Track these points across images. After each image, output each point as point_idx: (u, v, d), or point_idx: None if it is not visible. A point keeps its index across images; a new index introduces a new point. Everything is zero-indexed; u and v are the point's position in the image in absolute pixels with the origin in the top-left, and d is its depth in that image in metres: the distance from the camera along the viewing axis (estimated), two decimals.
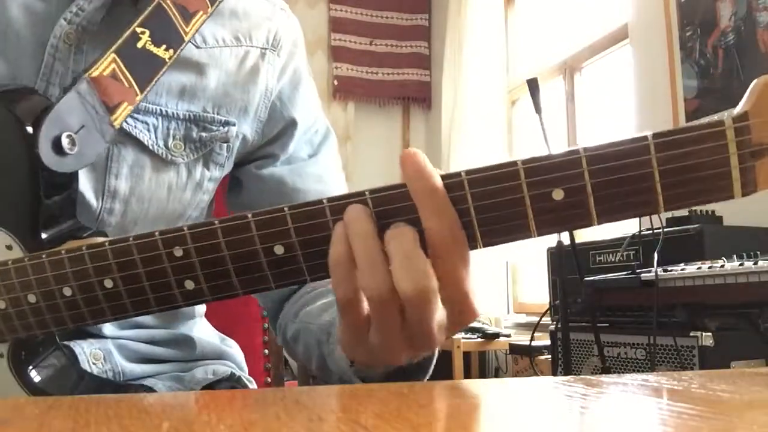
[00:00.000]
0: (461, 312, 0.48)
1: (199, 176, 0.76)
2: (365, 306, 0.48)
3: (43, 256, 0.56)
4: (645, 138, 0.44)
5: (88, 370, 0.69)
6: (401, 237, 0.46)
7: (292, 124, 0.82)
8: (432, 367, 0.60)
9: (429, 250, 0.46)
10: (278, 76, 0.81)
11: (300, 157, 0.83)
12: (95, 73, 0.63)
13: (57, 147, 0.60)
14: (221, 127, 0.75)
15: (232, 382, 0.83)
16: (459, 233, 0.47)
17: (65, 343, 0.68)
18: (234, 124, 0.76)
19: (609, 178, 0.45)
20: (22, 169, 0.60)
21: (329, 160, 0.86)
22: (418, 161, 0.46)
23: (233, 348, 0.88)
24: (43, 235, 0.60)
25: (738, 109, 0.44)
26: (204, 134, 0.74)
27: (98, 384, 0.66)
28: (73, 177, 0.63)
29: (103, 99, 0.63)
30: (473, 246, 0.48)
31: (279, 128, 0.82)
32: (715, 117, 0.45)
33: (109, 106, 0.64)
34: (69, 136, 0.61)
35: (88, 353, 0.70)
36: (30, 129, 0.59)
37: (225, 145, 0.76)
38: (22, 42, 0.66)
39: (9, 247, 0.60)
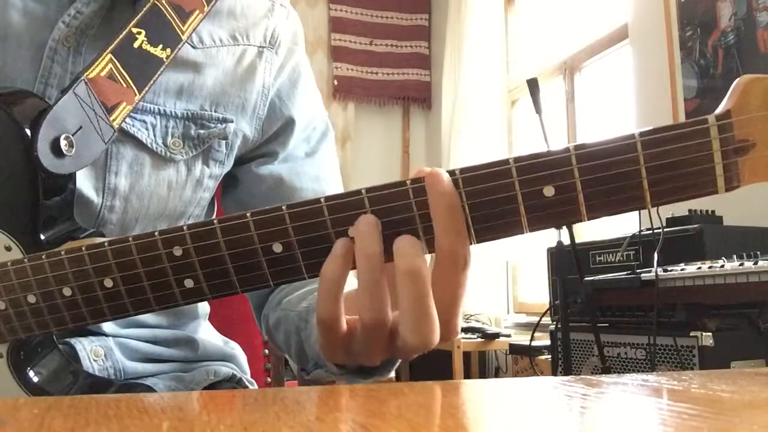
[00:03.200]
0: (444, 330, 0.50)
1: (198, 173, 0.76)
2: (344, 324, 0.50)
3: (43, 256, 0.56)
4: (632, 136, 0.46)
5: (89, 367, 0.69)
6: (416, 281, 0.47)
7: (290, 122, 0.82)
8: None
9: (435, 263, 0.48)
10: (276, 73, 0.81)
11: (297, 156, 0.83)
12: (92, 74, 0.63)
13: (55, 149, 0.60)
14: (219, 124, 0.75)
15: (233, 383, 0.83)
16: (466, 254, 0.48)
17: (66, 340, 0.68)
18: (232, 121, 0.77)
19: (598, 175, 0.46)
20: (20, 171, 0.60)
21: (327, 159, 0.86)
22: (442, 181, 0.47)
23: (236, 350, 0.88)
24: (42, 236, 0.60)
25: (721, 107, 0.46)
26: (202, 131, 0.74)
27: (98, 383, 0.65)
28: (71, 178, 0.63)
29: (102, 100, 0.64)
30: None
31: (278, 126, 0.82)
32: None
33: (107, 106, 0.64)
34: (67, 138, 0.61)
35: (89, 350, 0.70)
36: (28, 131, 0.59)
37: (224, 142, 0.76)
38: (21, 46, 0.66)
39: (8, 249, 0.60)
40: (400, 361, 0.61)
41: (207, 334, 0.85)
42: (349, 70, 4.30)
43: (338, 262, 0.48)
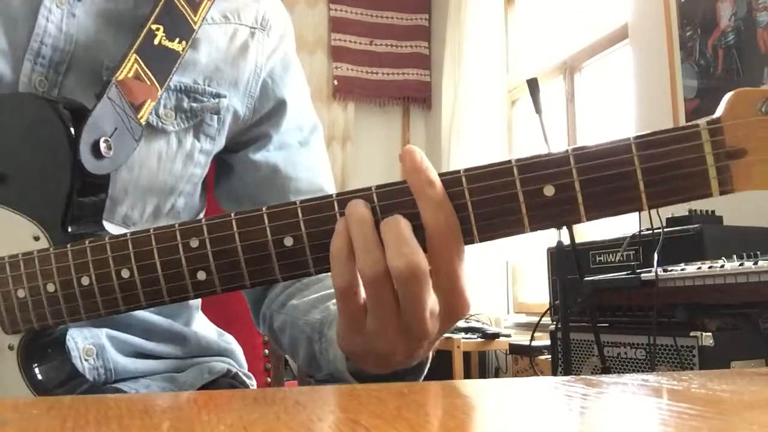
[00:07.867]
0: (454, 302, 0.51)
1: (189, 147, 0.77)
2: (362, 294, 0.51)
3: (68, 246, 0.58)
4: (627, 138, 0.48)
5: (80, 366, 0.69)
6: (394, 224, 0.50)
7: (282, 104, 0.84)
8: (425, 371, 0.62)
9: (426, 241, 0.50)
10: (269, 54, 0.83)
11: (291, 144, 0.85)
12: (121, 77, 0.66)
13: (96, 151, 0.63)
14: (212, 99, 0.78)
15: (228, 378, 0.82)
16: (455, 225, 0.50)
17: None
18: (225, 96, 0.79)
19: (595, 175, 0.48)
20: (61, 169, 0.62)
21: (318, 151, 0.88)
22: (415, 157, 0.50)
23: (232, 344, 0.88)
24: (69, 229, 0.62)
25: (713, 116, 0.48)
26: (195, 104, 0.76)
27: (98, 386, 0.66)
28: (106, 179, 0.66)
29: (130, 100, 0.67)
30: (470, 240, 0.51)
31: (270, 107, 0.84)
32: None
33: (135, 105, 0.67)
34: (106, 141, 0.64)
35: (81, 348, 0.70)
36: (73, 132, 0.62)
37: (216, 116, 0.78)
38: (15, 6, 0.69)
39: (36, 238, 0.61)
40: (427, 365, 0.61)
41: (200, 326, 0.85)
42: (349, 70, 4.29)
43: (341, 236, 0.50)
